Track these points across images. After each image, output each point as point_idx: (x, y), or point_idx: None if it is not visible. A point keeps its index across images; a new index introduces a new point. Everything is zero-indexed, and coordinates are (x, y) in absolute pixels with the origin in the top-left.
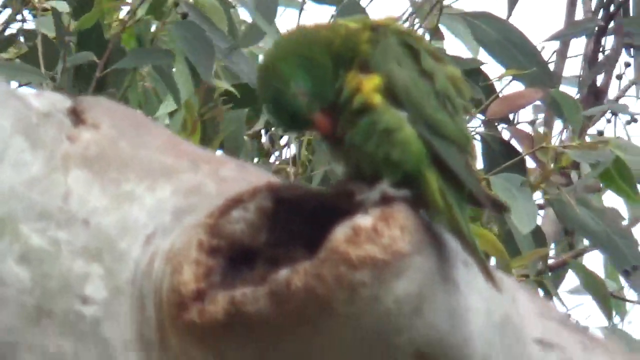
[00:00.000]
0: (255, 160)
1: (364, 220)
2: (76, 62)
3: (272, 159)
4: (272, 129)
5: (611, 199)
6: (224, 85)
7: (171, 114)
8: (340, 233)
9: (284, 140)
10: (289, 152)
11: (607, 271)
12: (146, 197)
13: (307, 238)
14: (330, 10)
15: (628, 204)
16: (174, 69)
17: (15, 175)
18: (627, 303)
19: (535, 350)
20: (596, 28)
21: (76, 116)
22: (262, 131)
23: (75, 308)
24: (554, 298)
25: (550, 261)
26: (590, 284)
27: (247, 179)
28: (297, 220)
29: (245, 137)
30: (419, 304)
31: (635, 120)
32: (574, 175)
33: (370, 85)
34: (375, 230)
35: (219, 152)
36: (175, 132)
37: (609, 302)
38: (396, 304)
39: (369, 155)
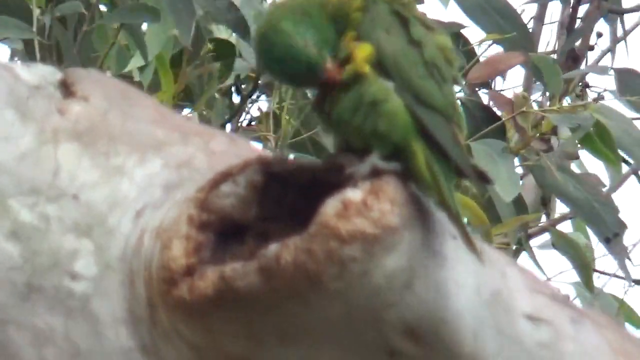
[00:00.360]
0: (226, 117)
1: (353, 194)
2: (64, 12)
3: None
4: (243, 85)
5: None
6: (221, 34)
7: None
8: (330, 207)
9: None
10: (257, 108)
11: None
12: (136, 171)
13: (298, 212)
14: None
15: (609, 168)
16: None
17: (5, 149)
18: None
19: (525, 325)
20: None
21: (66, 88)
22: (232, 88)
23: (65, 284)
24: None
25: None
26: (571, 252)
27: (237, 152)
28: (288, 194)
29: (216, 95)
30: (409, 279)
31: (602, 98)
32: (554, 141)
33: (362, 54)
34: (365, 204)
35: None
36: (145, 87)
37: (590, 270)
38: (386, 279)
39: (357, 128)
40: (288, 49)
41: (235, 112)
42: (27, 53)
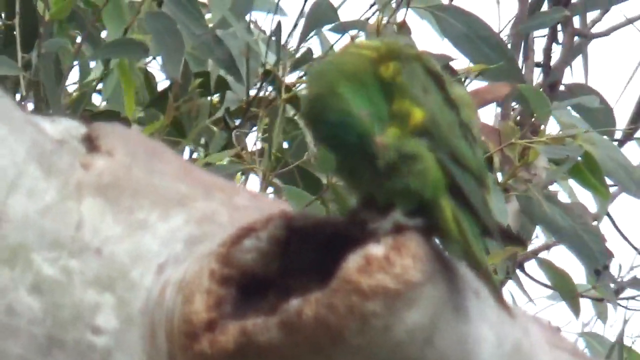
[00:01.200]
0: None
1: (376, 250)
2: (52, 50)
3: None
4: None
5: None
6: (215, 71)
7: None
8: (352, 262)
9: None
10: (252, 141)
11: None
12: (159, 225)
13: (320, 267)
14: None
15: (597, 198)
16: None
17: (29, 203)
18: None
19: None
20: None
21: (90, 143)
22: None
23: (86, 338)
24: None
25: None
26: (558, 281)
27: (260, 207)
28: (310, 249)
29: (214, 128)
30: (431, 334)
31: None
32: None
33: (415, 120)
34: (388, 259)
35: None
36: (107, 97)
37: (577, 300)
38: (408, 334)
39: (388, 183)
40: (344, 116)
41: (226, 144)
42: (8, 88)
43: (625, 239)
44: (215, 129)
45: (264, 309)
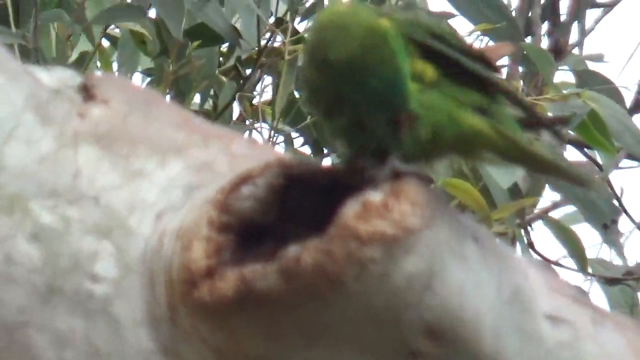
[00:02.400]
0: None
1: (373, 196)
2: (48, 21)
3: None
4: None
5: None
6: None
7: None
8: (349, 209)
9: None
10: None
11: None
12: (156, 173)
13: (318, 214)
14: None
15: (603, 155)
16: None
17: (26, 152)
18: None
19: (546, 325)
20: None
21: (86, 92)
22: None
23: (85, 286)
24: (530, 251)
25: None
26: (566, 239)
27: (258, 155)
28: (308, 197)
29: (223, 78)
30: (429, 280)
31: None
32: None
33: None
34: (386, 205)
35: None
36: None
37: (585, 257)
38: (406, 280)
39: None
40: (396, 73)
41: (238, 90)
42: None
43: (625, 212)
44: (224, 79)
45: (262, 256)
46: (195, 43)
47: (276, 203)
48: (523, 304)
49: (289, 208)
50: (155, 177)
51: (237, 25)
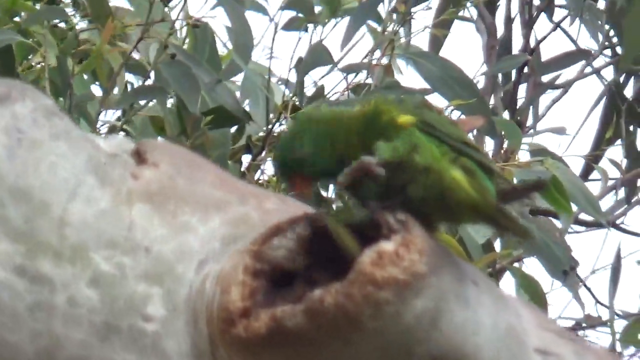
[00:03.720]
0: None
1: (387, 246)
2: (80, 101)
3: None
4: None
5: None
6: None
7: None
8: (366, 257)
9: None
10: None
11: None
12: (199, 227)
13: (339, 260)
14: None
15: (562, 216)
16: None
17: (87, 209)
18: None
19: (536, 358)
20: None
21: (139, 156)
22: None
23: (138, 325)
24: None
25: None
26: (527, 286)
27: (288, 210)
28: (330, 245)
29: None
30: (436, 319)
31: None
32: None
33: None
34: (397, 254)
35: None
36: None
37: (546, 303)
38: (416, 319)
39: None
40: (289, 148)
41: (248, 168)
42: None
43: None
44: (229, 162)
45: (291, 298)
46: (209, 118)
47: (303, 250)
48: (516, 338)
49: (315, 254)
50: (198, 230)
51: (247, 108)
